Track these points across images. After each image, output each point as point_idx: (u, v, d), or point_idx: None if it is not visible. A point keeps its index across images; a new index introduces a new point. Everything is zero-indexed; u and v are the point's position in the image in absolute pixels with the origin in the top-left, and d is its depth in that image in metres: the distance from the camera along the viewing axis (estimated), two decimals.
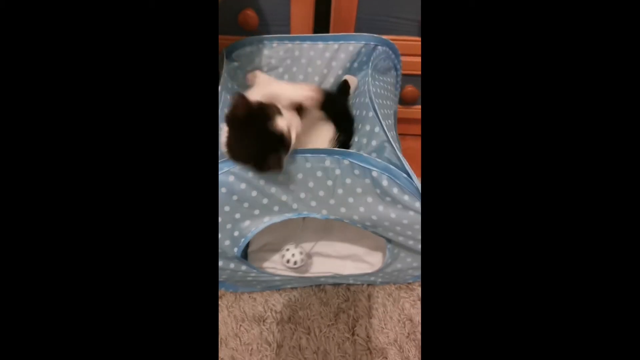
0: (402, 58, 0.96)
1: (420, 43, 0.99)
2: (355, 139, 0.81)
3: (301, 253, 0.83)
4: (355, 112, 0.86)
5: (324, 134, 0.80)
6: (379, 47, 0.92)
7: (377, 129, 0.73)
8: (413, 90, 1.10)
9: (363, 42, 0.93)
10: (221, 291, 0.89)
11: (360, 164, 0.60)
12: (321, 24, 1.05)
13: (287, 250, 0.84)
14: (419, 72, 1.04)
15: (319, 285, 0.91)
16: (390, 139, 0.68)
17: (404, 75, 1.00)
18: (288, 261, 0.83)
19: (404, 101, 1.12)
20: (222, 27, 0.97)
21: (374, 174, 0.60)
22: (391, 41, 0.93)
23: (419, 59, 1.02)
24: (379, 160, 0.60)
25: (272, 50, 0.94)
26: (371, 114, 0.76)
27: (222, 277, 0.80)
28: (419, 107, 1.15)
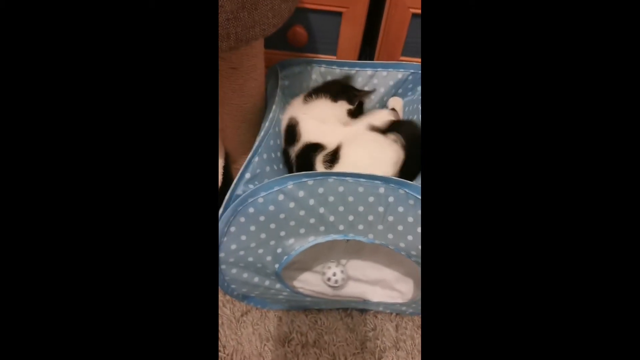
0: None
1: None
2: None
3: (342, 272, 0.82)
4: None
5: (389, 157, 0.78)
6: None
7: None
8: None
9: (412, 70, 0.92)
10: (247, 307, 0.87)
11: (418, 196, 0.58)
12: (368, 45, 1.05)
13: (329, 268, 0.83)
14: None
15: (345, 310, 0.88)
16: None
17: None
18: (329, 279, 0.82)
19: None
20: (271, 42, 0.97)
21: None
22: None
23: None
24: None
25: (320, 74, 0.94)
26: None
27: (254, 292, 0.78)
28: None
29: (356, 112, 0.87)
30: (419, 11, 0.93)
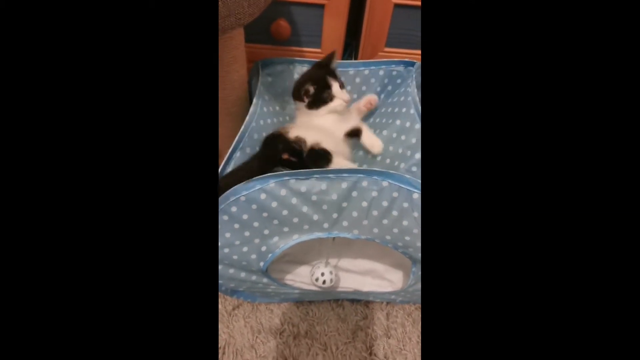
0: None
1: None
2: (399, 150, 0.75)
3: (331, 272, 0.76)
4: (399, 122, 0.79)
5: None
6: (410, 67, 0.86)
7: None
8: None
9: (393, 66, 0.87)
10: (239, 300, 0.83)
11: (402, 186, 0.54)
12: (353, 37, 1.00)
13: (317, 268, 0.76)
14: None
15: (337, 301, 0.85)
16: None
17: None
18: (317, 279, 0.76)
19: None
20: (254, 36, 0.92)
21: (415, 196, 0.54)
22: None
23: None
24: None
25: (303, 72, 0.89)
26: (417, 126, 0.71)
27: (241, 287, 0.74)
28: None
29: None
30: (401, 1, 0.88)
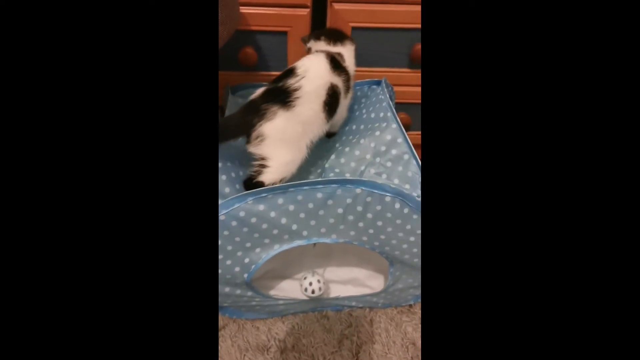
0: (395, 88, 0.93)
1: (410, 74, 1.01)
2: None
3: (319, 281, 0.77)
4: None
5: None
6: (374, 86, 0.91)
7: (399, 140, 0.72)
8: (405, 117, 1.09)
9: (358, 87, 0.91)
10: (224, 321, 0.82)
11: (374, 191, 0.57)
12: None
13: (305, 278, 0.78)
14: (410, 101, 1.04)
15: (321, 312, 0.85)
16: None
17: (396, 103, 0.98)
18: (306, 290, 0.77)
19: None
20: (224, 63, 0.94)
21: (387, 199, 0.57)
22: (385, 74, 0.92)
23: (409, 89, 1.02)
24: (392, 186, 0.57)
25: None
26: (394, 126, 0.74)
27: (226, 302, 0.74)
28: (412, 132, 1.13)
29: None
30: (358, 24, 0.93)
